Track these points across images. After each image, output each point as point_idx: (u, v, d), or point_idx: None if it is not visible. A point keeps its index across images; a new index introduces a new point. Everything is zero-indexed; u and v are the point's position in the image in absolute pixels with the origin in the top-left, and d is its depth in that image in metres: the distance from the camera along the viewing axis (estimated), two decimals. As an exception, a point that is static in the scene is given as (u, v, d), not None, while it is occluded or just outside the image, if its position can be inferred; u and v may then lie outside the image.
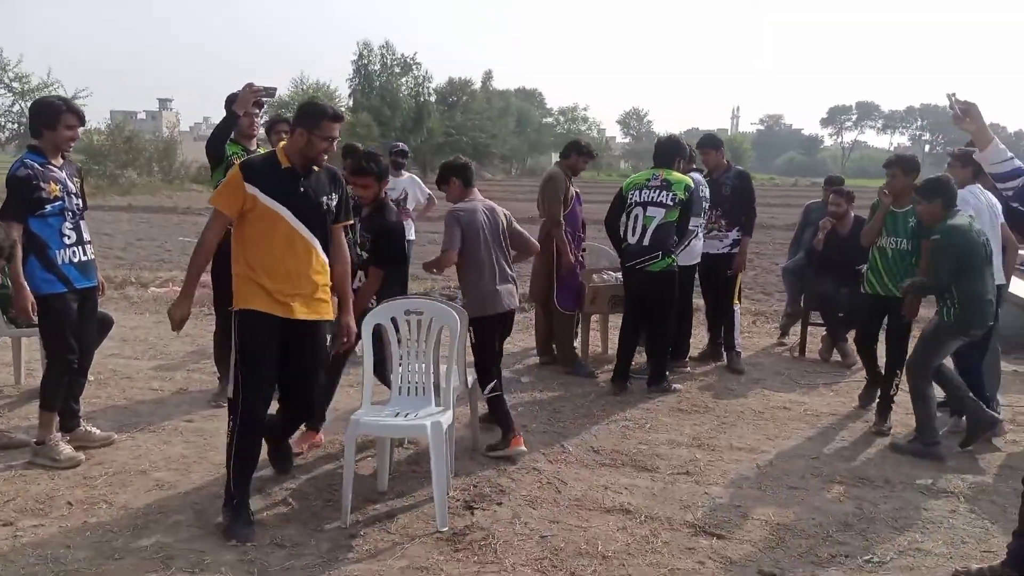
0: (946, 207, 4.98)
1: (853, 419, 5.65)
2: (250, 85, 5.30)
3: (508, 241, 4.98)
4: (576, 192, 6.67)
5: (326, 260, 3.89)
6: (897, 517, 4.07)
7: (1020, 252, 7.40)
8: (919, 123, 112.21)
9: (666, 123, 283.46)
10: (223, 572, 3.39)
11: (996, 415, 5.11)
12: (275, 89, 5.81)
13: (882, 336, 5.79)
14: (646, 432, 5.27)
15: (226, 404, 5.50)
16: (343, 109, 54.48)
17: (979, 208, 5.22)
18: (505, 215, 5.01)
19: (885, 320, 5.68)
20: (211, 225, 3.85)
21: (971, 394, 5.07)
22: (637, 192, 6.06)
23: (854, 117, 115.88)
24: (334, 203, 3.89)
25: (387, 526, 3.86)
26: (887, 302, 5.52)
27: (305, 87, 48.87)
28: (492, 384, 4.71)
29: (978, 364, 5.32)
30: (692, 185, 6.08)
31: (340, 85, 52.00)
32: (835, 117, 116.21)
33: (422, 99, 58.13)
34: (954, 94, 3.27)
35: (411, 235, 8.34)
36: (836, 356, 7.21)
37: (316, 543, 3.67)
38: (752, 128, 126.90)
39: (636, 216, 6.00)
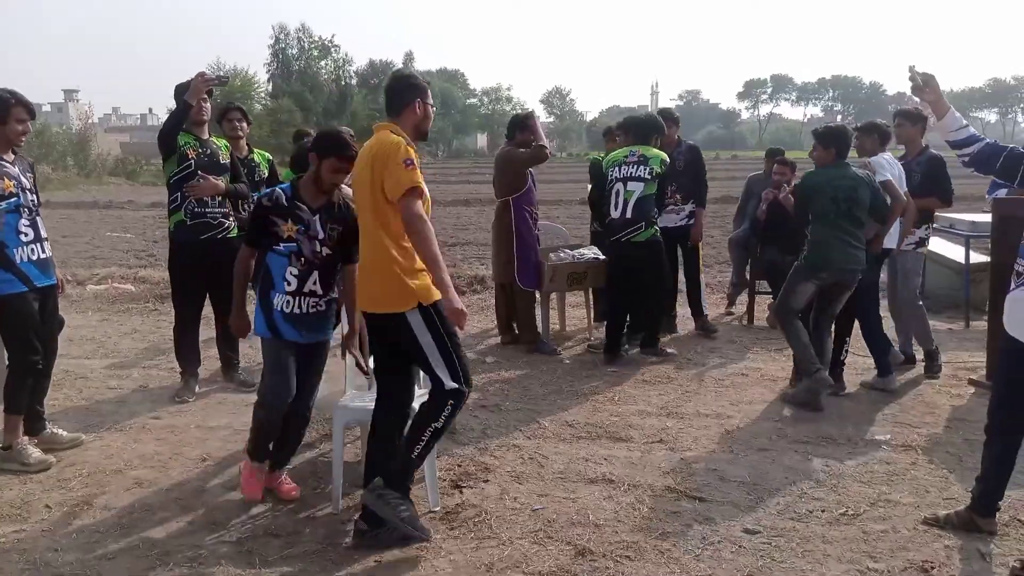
0: (837, 156, 5.31)
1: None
2: (202, 74, 5.22)
3: None
4: (531, 171, 6.72)
5: None
6: (863, 472, 4.29)
7: (951, 215, 7.80)
8: (831, 94, 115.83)
9: (588, 101, 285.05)
10: (222, 564, 3.37)
11: (823, 375, 5.30)
12: (228, 78, 5.73)
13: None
14: (616, 404, 5.40)
15: (191, 399, 5.50)
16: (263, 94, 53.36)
17: (892, 174, 5.53)
18: None
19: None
20: (419, 208, 3.33)
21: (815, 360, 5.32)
22: (616, 168, 6.29)
23: (769, 90, 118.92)
24: None
25: (379, 510, 3.89)
26: None
27: (222, 73, 47.54)
28: None
29: (861, 314, 5.70)
30: (667, 159, 6.31)
31: (258, 70, 50.77)
32: (751, 91, 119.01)
33: (343, 82, 57.28)
34: (914, 66, 3.45)
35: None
36: (783, 323, 7.48)
37: (311, 530, 3.68)
38: (671, 103, 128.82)
39: (617, 191, 6.23)
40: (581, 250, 6.92)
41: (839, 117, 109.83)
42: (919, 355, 6.11)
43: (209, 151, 5.50)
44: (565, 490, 4.08)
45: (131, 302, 8.83)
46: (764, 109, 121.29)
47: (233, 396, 5.62)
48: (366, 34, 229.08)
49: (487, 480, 4.21)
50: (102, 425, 5.05)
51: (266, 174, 6.20)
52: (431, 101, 3.59)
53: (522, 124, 6.62)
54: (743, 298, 8.08)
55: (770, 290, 7.58)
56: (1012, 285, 3.27)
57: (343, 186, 3.99)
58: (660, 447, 4.67)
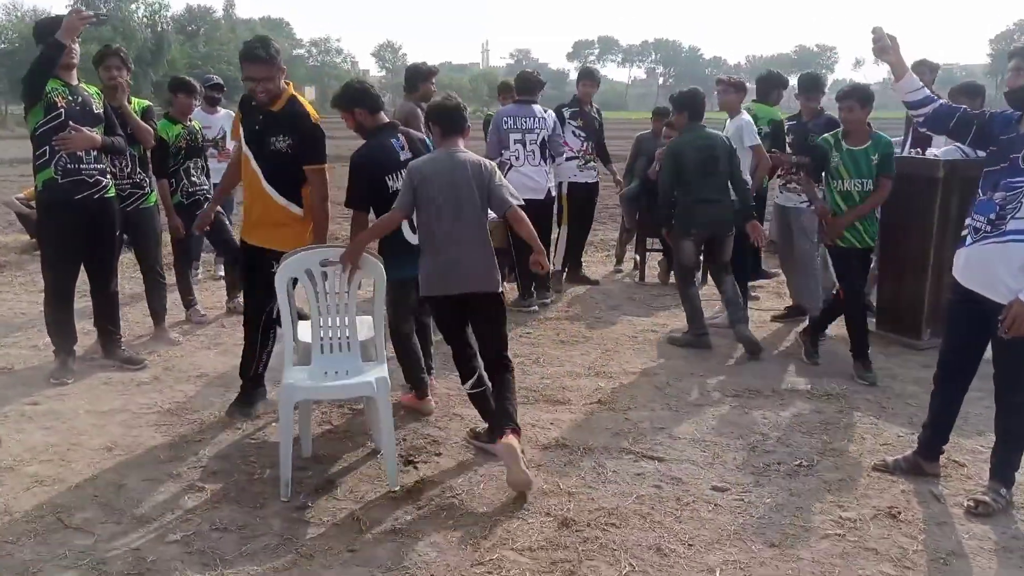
0: (690, 118, 5.62)
1: (713, 335, 6.03)
2: (78, 11, 4.56)
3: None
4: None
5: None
6: (800, 423, 4.43)
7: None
8: (654, 57, 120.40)
9: (420, 56, 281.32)
10: (178, 571, 2.97)
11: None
12: (107, 16, 5.08)
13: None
14: (542, 366, 5.30)
15: (71, 381, 4.88)
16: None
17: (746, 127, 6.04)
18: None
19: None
20: None
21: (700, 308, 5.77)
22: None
23: (596, 51, 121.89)
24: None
25: (332, 493, 3.58)
26: (867, 253, 5.28)
27: (20, 15, 42.68)
28: (474, 379, 3.96)
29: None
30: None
31: (60, 11, 46.02)
32: (580, 51, 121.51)
33: (159, 28, 53.14)
34: (880, 28, 3.49)
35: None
36: (674, 279, 7.64)
37: (264, 521, 3.33)
38: (502, 63, 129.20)
39: None
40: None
41: (660, 80, 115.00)
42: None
43: (80, 99, 4.82)
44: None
45: (-39, 271, 7.74)
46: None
47: (119, 375, 5.03)
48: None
49: (439, 453, 3.98)
50: (-31, 416, 4.36)
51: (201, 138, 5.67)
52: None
53: (426, 74, 6.25)
54: (630, 258, 8.23)
55: (660, 247, 7.73)
56: (968, 240, 3.41)
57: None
58: (600, 408, 4.61)
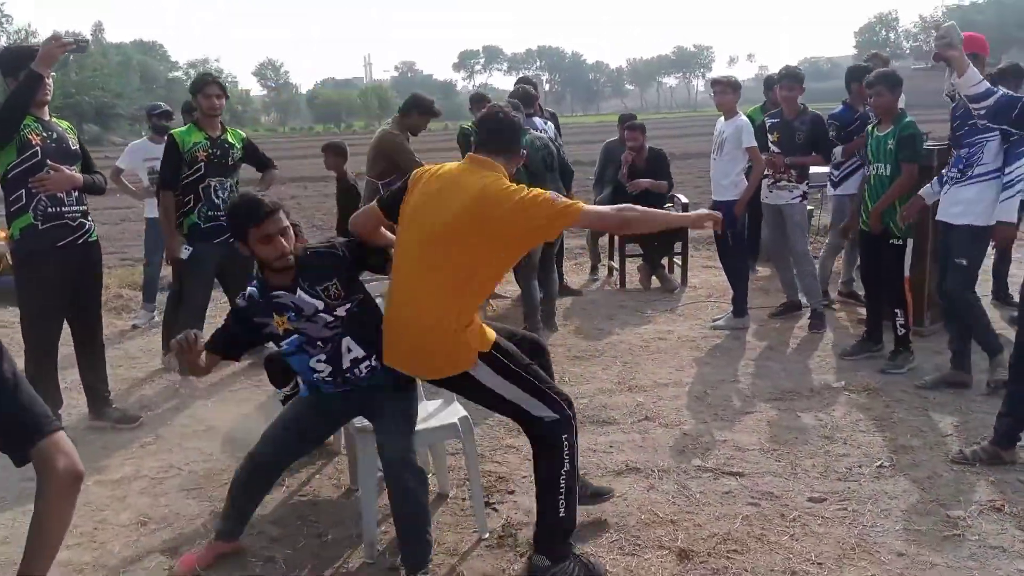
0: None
1: (721, 338, 6.00)
2: (56, 37, 4.08)
3: None
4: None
5: None
6: (855, 421, 4.38)
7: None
8: (538, 64, 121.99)
9: (302, 74, 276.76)
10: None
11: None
12: (87, 41, 4.57)
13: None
14: (568, 384, 5.09)
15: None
16: None
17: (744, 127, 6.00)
18: None
19: None
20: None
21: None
22: None
23: (482, 60, 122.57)
24: None
25: (419, 548, 3.28)
26: (875, 239, 5.14)
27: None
28: None
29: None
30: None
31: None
32: (465, 62, 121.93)
33: (27, 56, 50.28)
34: (950, 26, 3.49)
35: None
36: (655, 283, 7.59)
37: (358, 591, 3.01)
38: (386, 75, 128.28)
39: None
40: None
41: (547, 86, 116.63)
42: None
43: (56, 135, 4.33)
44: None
45: None
46: (479, 79, 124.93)
47: (116, 437, 4.54)
48: (45, 3, 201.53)
49: (512, 491, 3.73)
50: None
51: (240, 155, 5.23)
52: None
53: (424, 106, 6.01)
54: (602, 264, 8.15)
55: (640, 253, 7.66)
56: None
57: None
58: (652, 425, 4.45)
